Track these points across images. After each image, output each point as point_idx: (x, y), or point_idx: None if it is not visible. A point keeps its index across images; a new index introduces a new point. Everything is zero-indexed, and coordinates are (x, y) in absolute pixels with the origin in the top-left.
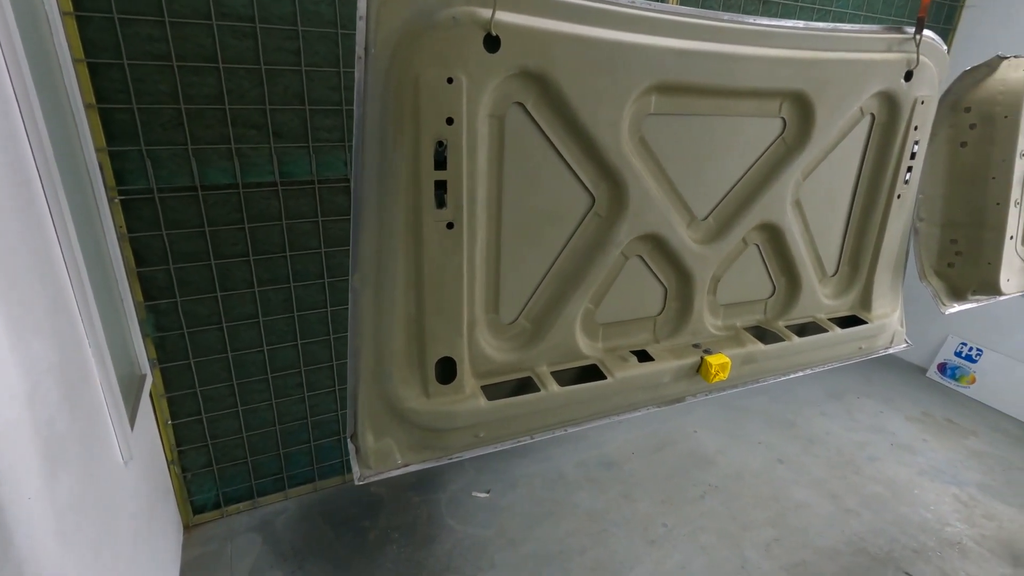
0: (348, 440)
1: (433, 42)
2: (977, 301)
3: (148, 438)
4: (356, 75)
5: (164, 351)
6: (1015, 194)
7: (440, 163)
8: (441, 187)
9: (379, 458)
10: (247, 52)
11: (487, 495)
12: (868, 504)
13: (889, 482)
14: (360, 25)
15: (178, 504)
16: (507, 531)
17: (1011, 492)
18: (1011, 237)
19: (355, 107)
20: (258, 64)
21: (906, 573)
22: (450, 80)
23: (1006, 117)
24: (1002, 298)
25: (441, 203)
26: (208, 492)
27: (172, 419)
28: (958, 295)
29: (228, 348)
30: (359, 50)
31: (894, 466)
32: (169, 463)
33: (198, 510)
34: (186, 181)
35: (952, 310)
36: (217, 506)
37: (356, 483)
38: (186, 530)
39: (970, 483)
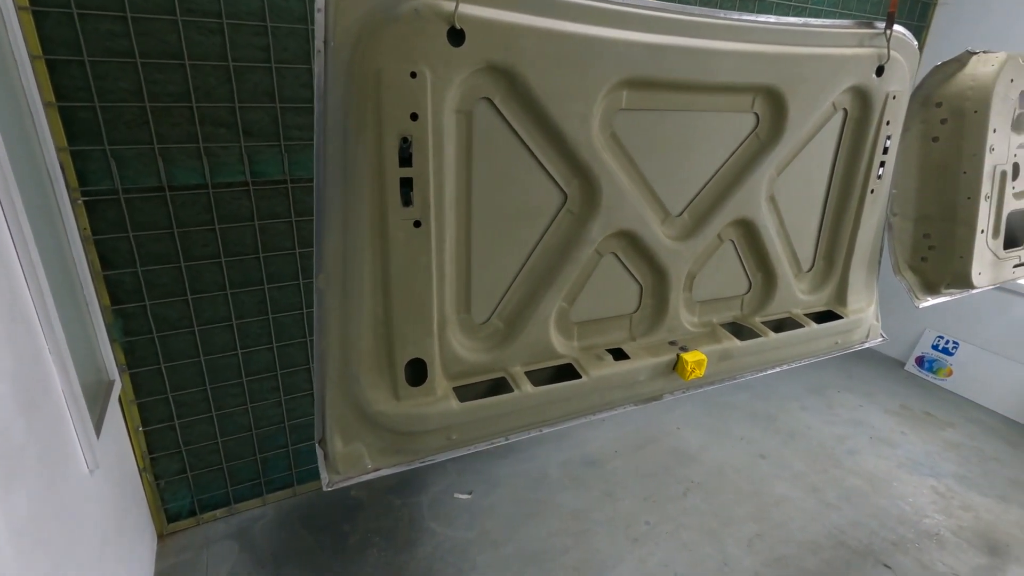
0: (317, 445)
1: (395, 35)
2: (950, 295)
3: (117, 446)
4: (315, 69)
5: (133, 356)
6: (985, 188)
7: (405, 160)
8: (407, 184)
9: (348, 463)
10: (214, 48)
11: (469, 497)
12: (848, 497)
13: (868, 475)
14: (319, 18)
15: (151, 512)
16: (489, 532)
17: (987, 483)
18: (982, 231)
19: (315, 102)
20: (226, 61)
21: (885, 565)
22: (413, 74)
23: (976, 112)
24: (974, 291)
25: (407, 201)
26: (183, 499)
27: (143, 425)
28: (932, 289)
29: (200, 352)
30: (318, 43)
31: (873, 459)
32: (141, 471)
33: (172, 518)
34: (153, 181)
35: (926, 304)
36: (192, 513)
37: (324, 489)
38: (160, 539)
39: (947, 475)
